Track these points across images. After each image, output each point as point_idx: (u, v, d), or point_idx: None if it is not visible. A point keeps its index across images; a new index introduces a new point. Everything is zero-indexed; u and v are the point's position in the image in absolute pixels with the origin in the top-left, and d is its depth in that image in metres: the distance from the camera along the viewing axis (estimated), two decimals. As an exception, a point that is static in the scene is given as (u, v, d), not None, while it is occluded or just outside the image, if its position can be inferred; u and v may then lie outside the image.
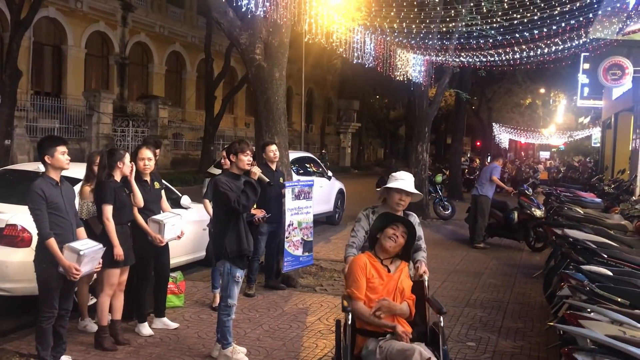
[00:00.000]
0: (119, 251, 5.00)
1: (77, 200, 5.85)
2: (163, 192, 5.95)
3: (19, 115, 19.68)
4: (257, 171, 4.99)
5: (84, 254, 4.25)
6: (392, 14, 9.09)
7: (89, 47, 28.15)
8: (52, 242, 4.22)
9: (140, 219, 5.43)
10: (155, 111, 27.25)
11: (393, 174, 4.32)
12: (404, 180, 4.23)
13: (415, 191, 4.23)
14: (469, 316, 6.58)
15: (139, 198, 5.26)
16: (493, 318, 6.55)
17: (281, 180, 7.23)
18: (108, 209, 4.98)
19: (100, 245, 4.56)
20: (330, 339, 5.60)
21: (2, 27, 23.14)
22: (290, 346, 5.39)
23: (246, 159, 4.94)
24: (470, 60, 13.27)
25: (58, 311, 4.43)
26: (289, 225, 7.19)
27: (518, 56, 12.59)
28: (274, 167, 7.17)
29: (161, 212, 5.71)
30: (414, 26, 9.45)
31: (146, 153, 5.53)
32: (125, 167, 5.12)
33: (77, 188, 5.30)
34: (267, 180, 5.29)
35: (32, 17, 17.70)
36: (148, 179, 5.60)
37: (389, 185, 4.24)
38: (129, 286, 5.53)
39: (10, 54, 16.94)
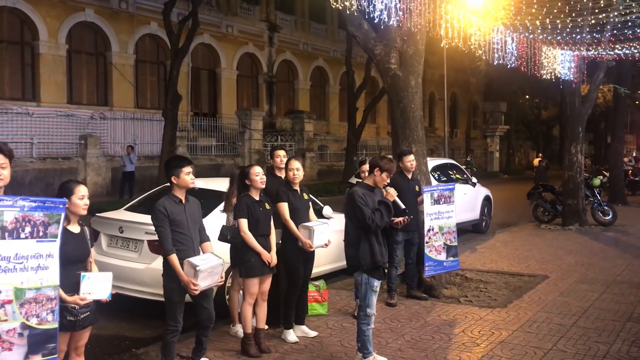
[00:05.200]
0: (266, 256, 5.25)
1: (215, 215, 6.25)
2: (310, 203, 6.18)
3: (180, 136, 21.51)
4: (393, 194, 5.01)
5: (200, 269, 4.40)
6: (534, 10, 8.63)
7: (240, 69, 30.09)
8: (174, 257, 4.46)
9: (292, 225, 5.66)
10: (301, 125, 28.36)
11: None
12: None
13: None
14: (632, 332, 6.00)
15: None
16: (661, 335, 5.91)
17: (416, 188, 7.16)
18: (242, 223, 5.24)
19: (221, 261, 4.67)
20: (475, 352, 5.43)
21: (165, 55, 25.52)
22: (432, 358, 5.29)
23: (388, 179, 5.01)
24: (628, 52, 12.15)
25: (202, 322, 4.72)
26: (428, 230, 7.10)
27: (686, 42, 11.28)
28: (409, 175, 7.14)
29: (309, 221, 5.92)
30: (558, 21, 8.90)
31: (295, 164, 5.76)
32: (255, 181, 5.31)
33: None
34: (403, 207, 5.25)
35: (189, 45, 19.34)
36: (298, 188, 5.85)
37: None
38: (276, 293, 5.79)
39: (171, 80, 18.64)
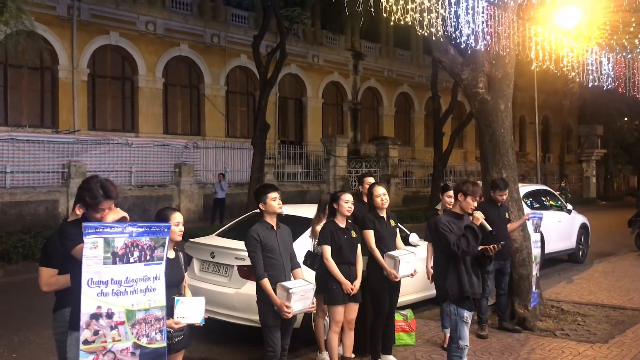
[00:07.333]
0: (346, 286, 5.22)
1: (301, 241, 6.28)
2: (397, 230, 6.11)
3: (268, 163, 22.04)
4: (480, 217, 4.83)
5: (292, 292, 4.48)
6: (632, 29, 8.21)
7: (325, 97, 30.63)
8: (266, 282, 4.57)
9: (377, 253, 5.60)
10: (386, 151, 28.29)
11: None
12: None
13: None
14: None
15: None
16: None
17: (506, 215, 6.92)
18: (325, 250, 5.27)
19: (312, 285, 4.73)
20: (573, 389, 5.12)
21: (254, 86, 26.41)
22: (527, 394, 5.04)
23: (474, 203, 4.84)
24: None
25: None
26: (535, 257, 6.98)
27: None
28: (499, 203, 6.91)
29: (396, 249, 5.85)
30: (660, 39, 8.43)
31: (380, 189, 5.70)
32: (342, 207, 5.31)
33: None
34: (490, 229, 5.05)
35: (277, 75, 19.88)
36: (385, 215, 5.78)
37: None
38: (363, 322, 5.73)
39: (260, 110, 19.19)
